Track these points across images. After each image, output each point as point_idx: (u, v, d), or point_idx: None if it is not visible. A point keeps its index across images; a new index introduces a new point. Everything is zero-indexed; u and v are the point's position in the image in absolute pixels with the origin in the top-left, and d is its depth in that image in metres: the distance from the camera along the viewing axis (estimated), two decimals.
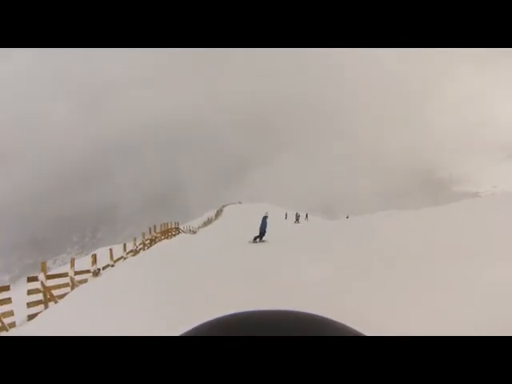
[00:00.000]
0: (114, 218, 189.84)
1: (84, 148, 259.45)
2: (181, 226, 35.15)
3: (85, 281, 9.17)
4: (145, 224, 22.18)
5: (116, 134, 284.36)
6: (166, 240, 17.90)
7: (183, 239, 17.16)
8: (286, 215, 34.84)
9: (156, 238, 17.52)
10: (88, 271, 9.89)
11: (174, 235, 21.55)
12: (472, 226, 6.59)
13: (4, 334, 6.23)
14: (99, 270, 10.45)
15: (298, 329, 0.34)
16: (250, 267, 6.61)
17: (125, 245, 13.77)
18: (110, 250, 12.45)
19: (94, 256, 10.42)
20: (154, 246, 15.12)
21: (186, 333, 0.36)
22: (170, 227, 21.34)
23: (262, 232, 12.44)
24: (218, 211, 48.77)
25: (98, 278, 9.18)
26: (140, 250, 14.56)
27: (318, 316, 0.36)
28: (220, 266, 7.07)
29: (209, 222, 38.83)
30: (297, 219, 30.21)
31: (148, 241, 15.98)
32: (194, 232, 29.64)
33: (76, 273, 8.99)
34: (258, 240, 12.36)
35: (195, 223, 40.46)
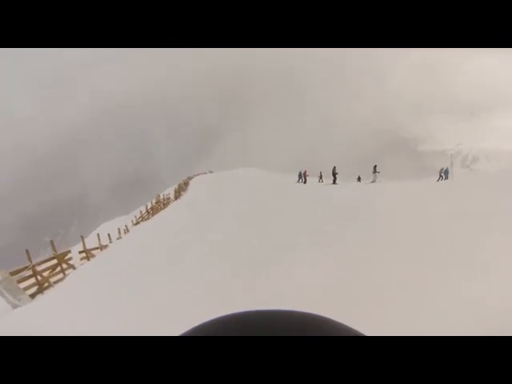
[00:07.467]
0: (85, 209, 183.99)
1: (45, 144, 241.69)
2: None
3: None
4: (118, 210, 19.27)
5: (78, 122, 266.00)
6: None
7: None
8: (301, 175, 25.19)
9: None
10: None
11: None
12: None
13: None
14: None
15: (298, 329, 0.33)
16: None
17: None
18: None
19: None
20: None
21: (185, 333, 0.35)
22: None
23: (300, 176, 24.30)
24: (179, 186, 31.65)
25: None
26: None
27: (318, 316, 0.35)
28: None
29: (157, 209, 23.38)
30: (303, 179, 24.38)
31: None
32: None
33: None
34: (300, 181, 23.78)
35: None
